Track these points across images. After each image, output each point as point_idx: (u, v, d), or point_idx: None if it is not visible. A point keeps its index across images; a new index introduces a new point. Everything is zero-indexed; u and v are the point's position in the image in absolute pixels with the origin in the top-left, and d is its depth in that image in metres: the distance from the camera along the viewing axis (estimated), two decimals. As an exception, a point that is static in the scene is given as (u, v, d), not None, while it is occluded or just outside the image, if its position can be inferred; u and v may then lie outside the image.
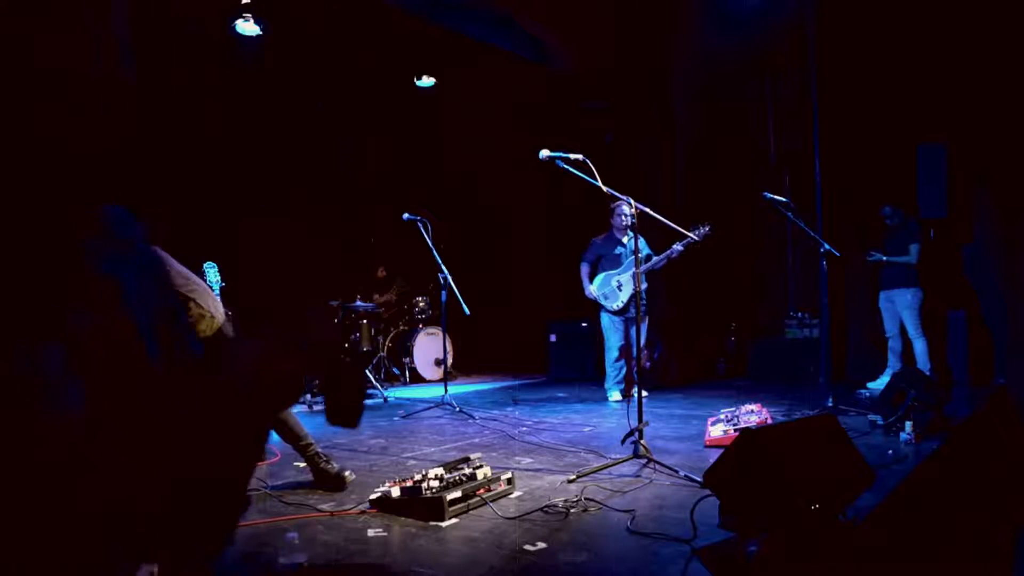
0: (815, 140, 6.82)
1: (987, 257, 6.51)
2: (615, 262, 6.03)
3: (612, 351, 6.12)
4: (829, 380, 5.20)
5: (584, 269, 6.13)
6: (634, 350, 6.08)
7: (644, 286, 6.03)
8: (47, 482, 1.43)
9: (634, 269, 5.92)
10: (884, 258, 6.31)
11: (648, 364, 6.21)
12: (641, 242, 6.08)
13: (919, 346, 6.17)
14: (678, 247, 5.64)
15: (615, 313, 6.02)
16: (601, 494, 2.94)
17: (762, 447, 2.19)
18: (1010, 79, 5.89)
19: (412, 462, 3.76)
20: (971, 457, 1.94)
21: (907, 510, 1.82)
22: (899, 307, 6.28)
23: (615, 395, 6.15)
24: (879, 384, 6.34)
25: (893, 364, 6.37)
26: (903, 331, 6.32)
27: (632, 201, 3.72)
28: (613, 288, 6.01)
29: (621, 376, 6.15)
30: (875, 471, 2.52)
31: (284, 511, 2.83)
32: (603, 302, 6.05)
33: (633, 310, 5.95)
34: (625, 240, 6.04)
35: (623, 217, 5.94)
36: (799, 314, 7.67)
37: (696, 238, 5.44)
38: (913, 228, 6.29)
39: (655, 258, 5.87)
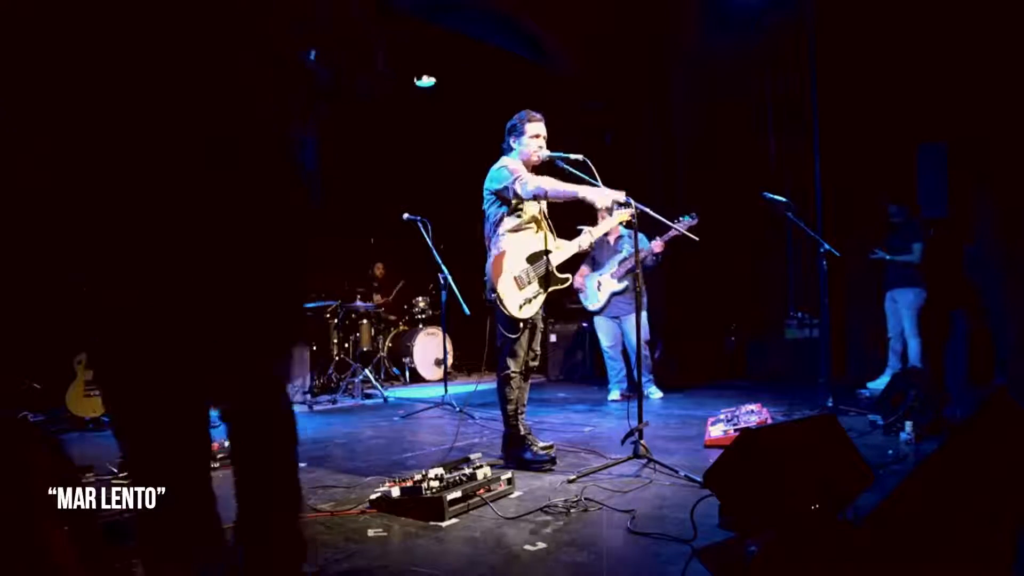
0: (815, 140, 6.81)
1: (988, 257, 6.51)
2: (603, 263, 6.11)
3: (604, 350, 6.24)
4: (829, 380, 5.20)
5: (582, 271, 6.19)
6: (640, 349, 6.10)
7: (624, 285, 5.99)
8: None
9: (614, 268, 6.02)
10: (887, 256, 6.31)
11: (646, 362, 6.19)
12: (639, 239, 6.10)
13: (913, 345, 6.18)
14: (657, 242, 5.68)
15: (596, 313, 6.14)
16: (601, 494, 2.93)
17: (762, 447, 2.19)
18: (1010, 79, 5.88)
19: (412, 462, 3.76)
20: (971, 457, 1.94)
21: (907, 510, 1.82)
22: (901, 306, 6.28)
23: (615, 395, 6.15)
24: (879, 384, 6.33)
25: (893, 364, 6.37)
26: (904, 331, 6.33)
27: (632, 201, 3.71)
28: (592, 288, 6.10)
29: (621, 376, 6.16)
30: (875, 471, 2.52)
31: (284, 511, 2.83)
32: (583, 301, 6.18)
33: (615, 310, 6.02)
34: (612, 241, 6.06)
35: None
36: (799, 314, 7.67)
37: (680, 230, 5.42)
38: (917, 227, 6.29)
39: (642, 254, 5.85)
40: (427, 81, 8.29)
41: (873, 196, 6.94)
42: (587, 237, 3.79)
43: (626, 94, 8.91)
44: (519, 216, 3.54)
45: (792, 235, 7.75)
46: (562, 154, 3.56)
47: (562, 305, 8.18)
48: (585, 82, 8.75)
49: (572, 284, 5.97)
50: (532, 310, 3.50)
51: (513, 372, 3.51)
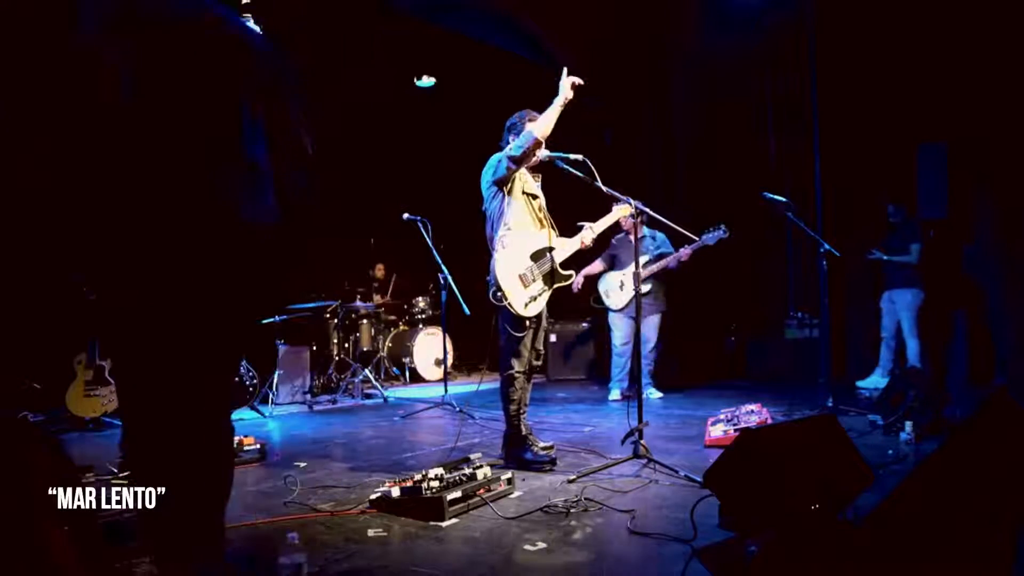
0: (815, 140, 6.81)
1: (987, 257, 6.51)
2: (626, 263, 6.06)
3: (615, 348, 6.19)
4: (829, 380, 5.20)
5: (598, 265, 6.17)
6: (645, 348, 6.11)
7: (649, 287, 6.03)
8: None
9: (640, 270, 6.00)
10: (884, 257, 6.31)
11: (648, 363, 6.19)
12: (660, 238, 6.12)
13: (913, 346, 6.17)
14: (686, 250, 5.68)
15: (617, 311, 6.08)
16: (601, 494, 2.93)
17: (762, 447, 2.19)
18: (1010, 79, 5.89)
19: (412, 462, 3.76)
20: (971, 457, 1.94)
21: (907, 510, 1.82)
22: (899, 307, 6.28)
23: (615, 394, 6.15)
24: (867, 383, 6.34)
25: (885, 364, 6.37)
26: (899, 332, 6.33)
27: (632, 201, 3.73)
28: (615, 286, 6.04)
29: (624, 375, 6.16)
30: (875, 471, 2.52)
31: (284, 511, 2.83)
32: (605, 300, 6.10)
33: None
34: (635, 240, 6.04)
35: (628, 218, 5.95)
36: (799, 314, 7.67)
37: (710, 243, 5.48)
38: (916, 228, 6.28)
39: (666, 258, 5.88)
40: (427, 81, 8.29)
41: (873, 196, 6.94)
42: (588, 233, 3.80)
43: (626, 94, 8.91)
44: (520, 212, 3.54)
45: (792, 235, 7.75)
46: (562, 154, 3.56)
47: (565, 305, 8.18)
48: (585, 82, 8.75)
49: (594, 285, 6.06)
50: (538, 308, 3.51)
51: (517, 372, 3.52)
